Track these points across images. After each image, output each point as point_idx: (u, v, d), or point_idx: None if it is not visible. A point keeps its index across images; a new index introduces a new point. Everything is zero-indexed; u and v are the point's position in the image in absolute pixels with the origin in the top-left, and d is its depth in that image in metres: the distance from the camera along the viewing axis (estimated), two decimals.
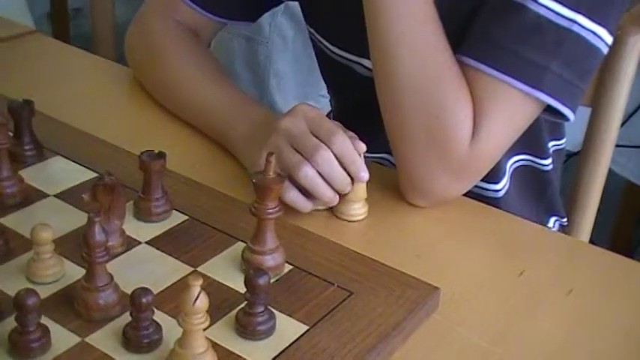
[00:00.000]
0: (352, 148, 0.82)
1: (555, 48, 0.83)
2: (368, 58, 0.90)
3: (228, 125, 0.94)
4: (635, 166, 1.94)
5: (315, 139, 0.82)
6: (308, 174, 0.81)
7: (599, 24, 0.83)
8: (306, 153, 0.81)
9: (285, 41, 1.70)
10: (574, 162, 1.21)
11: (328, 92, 1.26)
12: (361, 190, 0.85)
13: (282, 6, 1.12)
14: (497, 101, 0.84)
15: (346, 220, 0.86)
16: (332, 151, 0.81)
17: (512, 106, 0.85)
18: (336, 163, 0.82)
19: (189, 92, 1.00)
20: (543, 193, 1.12)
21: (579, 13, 0.81)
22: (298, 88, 1.76)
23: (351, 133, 0.85)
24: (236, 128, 0.93)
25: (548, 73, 0.83)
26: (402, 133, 0.86)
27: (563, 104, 0.85)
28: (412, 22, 0.84)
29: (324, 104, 1.52)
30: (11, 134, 0.86)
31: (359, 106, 0.98)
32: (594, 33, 0.83)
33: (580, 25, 0.82)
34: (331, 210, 0.86)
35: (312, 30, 1.11)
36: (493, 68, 0.83)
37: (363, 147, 0.84)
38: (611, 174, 1.17)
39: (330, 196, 0.82)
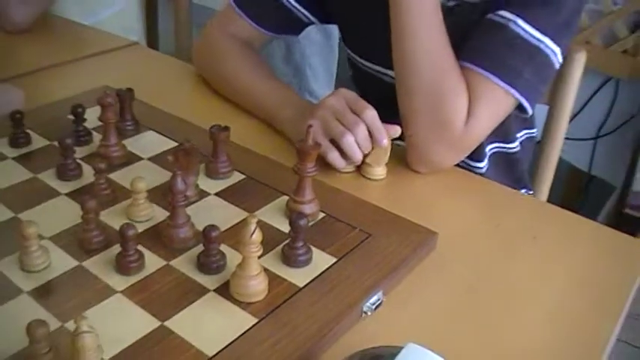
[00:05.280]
0: (379, 121, 0.80)
1: (528, 59, 0.81)
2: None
3: (277, 109, 0.92)
4: (577, 154, 1.91)
5: (355, 115, 0.80)
6: (350, 141, 0.79)
7: (559, 46, 0.82)
8: (348, 125, 0.80)
9: (313, 42, 1.68)
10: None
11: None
12: (384, 156, 0.82)
13: None
14: (485, 95, 0.81)
15: (370, 179, 0.83)
16: (364, 121, 0.79)
17: (495, 100, 0.82)
18: (368, 135, 0.80)
19: (246, 85, 0.97)
20: (513, 171, 1.08)
21: (547, 36, 0.81)
22: (326, 75, 1.74)
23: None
24: (283, 111, 0.91)
25: (522, 77, 0.81)
26: (413, 114, 0.83)
27: (528, 101, 0.83)
28: (427, 24, 0.81)
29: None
30: None
31: (381, 104, 0.95)
32: (554, 52, 0.82)
33: (546, 45, 0.81)
34: (359, 171, 0.84)
35: (349, 50, 1.08)
36: (484, 69, 0.81)
37: (398, 129, 0.82)
38: (560, 160, 1.15)
39: (360, 158, 0.81)
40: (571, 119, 1.14)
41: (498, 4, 0.82)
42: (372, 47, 1.02)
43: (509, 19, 0.80)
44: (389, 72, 0.99)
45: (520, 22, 0.80)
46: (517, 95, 0.81)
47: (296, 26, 1.06)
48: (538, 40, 0.80)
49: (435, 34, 0.81)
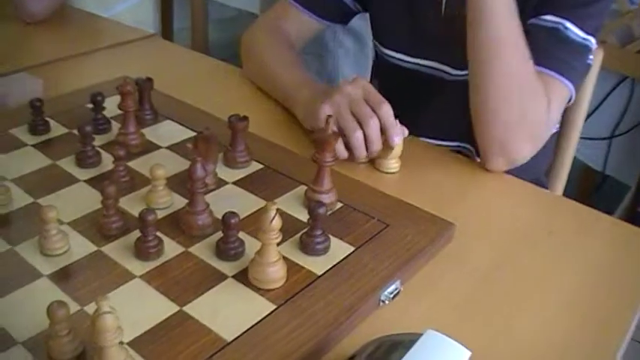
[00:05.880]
0: (393, 117, 0.80)
1: (579, 55, 0.85)
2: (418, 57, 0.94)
3: (296, 92, 0.92)
4: (591, 153, 1.89)
5: (369, 108, 0.79)
6: (359, 138, 0.79)
7: (595, 44, 0.87)
8: (361, 116, 0.79)
9: (347, 51, 1.67)
10: None
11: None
12: (388, 150, 0.81)
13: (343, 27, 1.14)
14: (554, 92, 0.83)
15: (385, 172, 0.82)
16: (378, 117, 0.79)
17: (562, 95, 0.85)
18: (379, 130, 0.79)
19: (274, 74, 0.99)
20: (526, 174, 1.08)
21: (590, 35, 0.85)
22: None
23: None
24: (301, 94, 0.90)
25: (576, 70, 0.85)
26: (500, 113, 0.81)
27: (575, 90, 0.87)
28: (512, 26, 0.80)
29: None
30: None
31: (400, 93, 0.94)
32: (592, 48, 0.87)
33: (591, 42, 0.86)
34: (373, 164, 0.83)
35: (374, 39, 1.10)
36: (549, 69, 0.83)
37: (406, 131, 0.82)
38: (575, 159, 1.15)
39: (363, 156, 0.80)
40: (586, 119, 1.13)
41: (537, 5, 0.86)
42: (394, 34, 1.04)
43: (558, 22, 0.84)
44: (407, 58, 1.02)
45: (568, 24, 0.83)
46: (572, 89, 0.85)
47: (345, 14, 1.10)
48: (584, 39, 0.85)
49: (518, 31, 0.80)
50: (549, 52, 0.84)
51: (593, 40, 0.86)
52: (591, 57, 0.89)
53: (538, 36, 0.85)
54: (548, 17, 0.84)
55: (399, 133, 0.80)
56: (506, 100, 0.80)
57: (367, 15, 1.11)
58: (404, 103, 0.84)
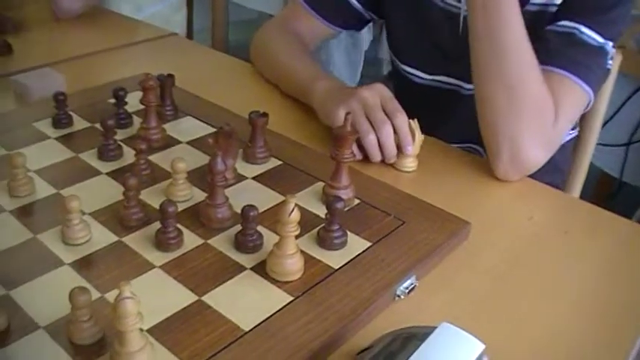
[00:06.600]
0: (407, 127, 0.81)
1: (594, 57, 0.85)
2: (434, 74, 0.97)
3: (312, 85, 0.92)
4: (608, 160, 1.88)
5: (384, 114, 0.80)
6: (372, 141, 0.80)
7: (614, 48, 0.87)
8: (375, 123, 0.80)
9: (339, 40, 1.68)
10: None
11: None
12: (415, 149, 0.82)
13: None
14: (567, 93, 0.82)
15: (402, 171, 0.83)
16: (393, 125, 0.80)
17: (576, 97, 0.84)
18: (392, 137, 0.80)
19: (288, 68, 0.99)
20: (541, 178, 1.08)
21: (609, 40, 0.85)
22: (351, 74, 1.74)
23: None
24: (318, 87, 0.91)
25: (594, 73, 0.84)
26: (513, 118, 0.79)
27: (594, 94, 0.86)
28: (520, 27, 0.79)
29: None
30: None
31: (417, 107, 0.95)
32: (610, 52, 0.87)
33: (608, 46, 0.85)
34: (390, 163, 0.83)
35: (393, 56, 1.11)
36: (563, 69, 0.82)
37: (422, 137, 0.83)
38: (591, 165, 1.15)
39: (377, 160, 0.81)
40: (603, 125, 1.13)
41: (554, 13, 0.86)
42: (410, 51, 1.05)
43: (573, 27, 0.84)
44: (424, 75, 1.04)
45: (583, 29, 0.83)
46: (587, 88, 0.84)
47: (358, 22, 1.10)
48: (601, 42, 0.85)
49: (524, 33, 0.79)
50: (562, 52, 0.84)
51: (611, 44, 0.85)
52: (610, 62, 0.89)
53: (552, 40, 0.85)
54: (564, 22, 0.85)
55: (411, 143, 0.81)
56: (517, 101, 0.79)
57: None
58: (419, 112, 0.85)
